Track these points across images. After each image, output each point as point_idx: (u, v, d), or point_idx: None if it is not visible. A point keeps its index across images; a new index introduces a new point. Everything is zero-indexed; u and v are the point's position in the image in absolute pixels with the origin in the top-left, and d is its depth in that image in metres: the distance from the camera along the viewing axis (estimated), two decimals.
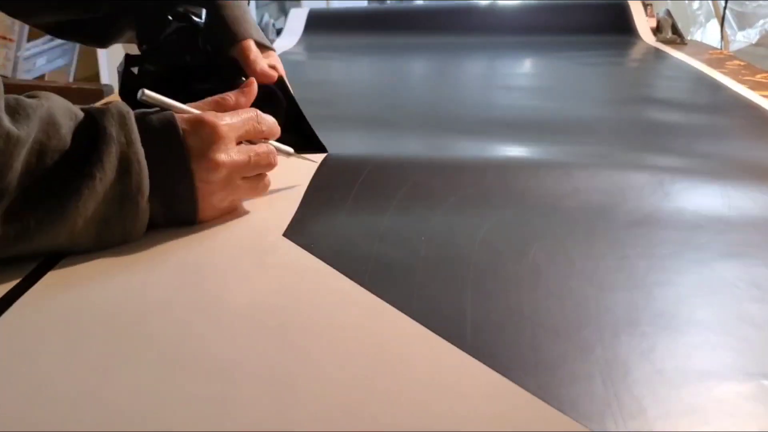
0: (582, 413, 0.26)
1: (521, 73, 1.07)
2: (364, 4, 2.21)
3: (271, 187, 0.47)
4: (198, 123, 0.41)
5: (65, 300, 0.34)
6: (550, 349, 0.30)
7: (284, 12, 2.44)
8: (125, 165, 0.38)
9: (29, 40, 1.88)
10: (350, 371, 0.29)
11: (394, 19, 1.47)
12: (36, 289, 0.35)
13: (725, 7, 1.55)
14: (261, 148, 0.45)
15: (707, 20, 1.82)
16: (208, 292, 0.35)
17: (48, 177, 0.36)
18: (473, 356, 0.29)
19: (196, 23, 0.57)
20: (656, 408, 0.26)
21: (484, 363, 0.29)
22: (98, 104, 0.40)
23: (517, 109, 0.78)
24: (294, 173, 0.52)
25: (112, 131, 0.38)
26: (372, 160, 0.54)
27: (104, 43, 0.66)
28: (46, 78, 2.02)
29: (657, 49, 1.23)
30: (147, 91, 0.41)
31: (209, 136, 0.41)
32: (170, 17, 0.56)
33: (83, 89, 1.11)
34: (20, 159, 0.35)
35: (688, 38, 1.39)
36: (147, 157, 0.39)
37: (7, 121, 0.34)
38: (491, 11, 1.46)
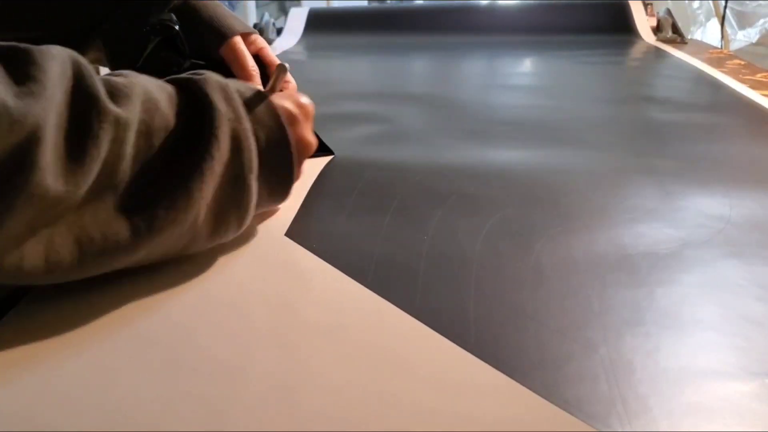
0: (587, 413, 0.26)
1: (522, 73, 1.07)
2: (365, 3, 2.21)
3: None
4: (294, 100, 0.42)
5: (66, 300, 0.34)
6: (554, 349, 0.30)
7: (284, 11, 2.44)
8: (237, 142, 0.36)
9: None
10: (353, 371, 0.29)
11: (394, 19, 1.47)
12: (38, 290, 0.35)
13: (725, 7, 1.56)
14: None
15: (707, 19, 1.82)
16: (209, 293, 0.35)
17: (161, 160, 0.33)
18: (477, 356, 0.29)
19: (176, 32, 0.55)
20: (661, 407, 0.26)
21: (488, 363, 0.29)
22: (185, 74, 0.37)
23: (517, 109, 0.78)
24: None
25: (220, 106, 0.35)
26: (373, 161, 0.54)
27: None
28: None
29: (657, 49, 1.23)
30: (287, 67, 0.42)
31: (306, 115, 0.43)
32: (149, 33, 0.54)
33: None
34: (130, 144, 0.31)
35: (689, 37, 1.39)
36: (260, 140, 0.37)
37: (111, 105, 0.31)
38: (492, 11, 1.46)
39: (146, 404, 0.27)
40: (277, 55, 0.67)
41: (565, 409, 0.26)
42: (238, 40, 0.58)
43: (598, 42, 1.28)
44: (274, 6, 3.22)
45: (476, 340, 0.31)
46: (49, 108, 0.27)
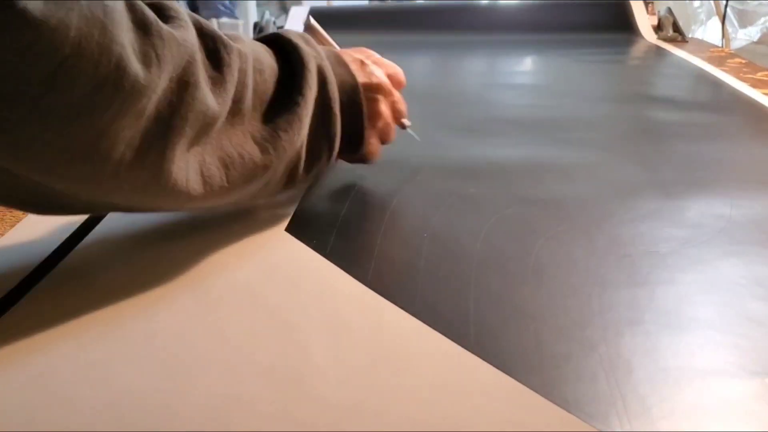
0: (587, 412, 0.26)
1: (522, 71, 1.07)
2: (365, 2, 2.21)
3: None
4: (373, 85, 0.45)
5: (68, 297, 0.34)
6: (553, 348, 0.30)
7: (285, 10, 2.44)
8: (323, 75, 0.40)
9: None
10: (353, 370, 0.29)
11: (395, 18, 1.47)
12: (40, 287, 0.35)
13: (726, 5, 1.55)
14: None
15: (708, 18, 1.82)
16: (208, 289, 0.35)
17: (271, 93, 0.38)
18: (476, 355, 0.29)
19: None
20: (660, 407, 0.26)
21: (488, 361, 0.29)
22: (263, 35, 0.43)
23: (518, 107, 0.78)
24: None
25: (304, 47, 0.40)
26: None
27: None
28: None
29: (658, 47, 1.23)
30: (313, 21, 0.46)
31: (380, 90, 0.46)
32: None
33: None
34: (251, 76, 0.36)
35: (689, 36, 1.39)
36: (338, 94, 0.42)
37: (233, 42, 0.34)
38: (492, 9, 1.46)
39: (146, 403, 0.27)
40: None
41: (564, 408, 0.26)
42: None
43: (599, 41, 1.28)
44: (274, 5, 3.22)
45: (476, 339, 0.31)
46: (193, 39, 0.31)
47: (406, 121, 0.52)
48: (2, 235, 0.42)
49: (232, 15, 2.86)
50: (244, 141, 0.35)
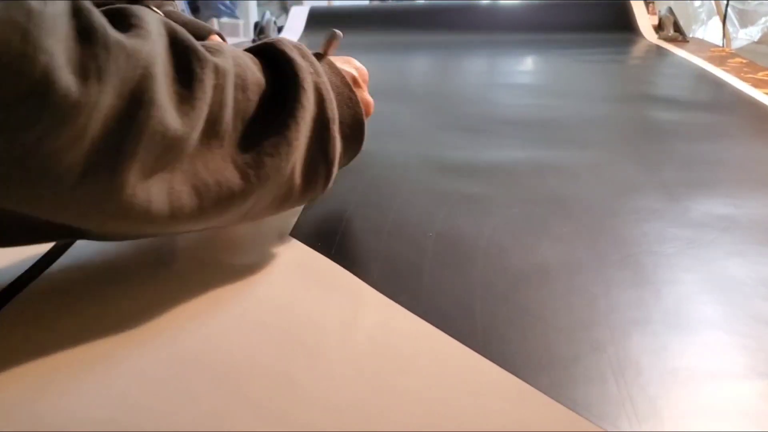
0: (596, 413, 0.26)
1: (523, 71, 1.07)
2: (365, 2, 2.20)
3: None
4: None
5: (69, 296, 0.34)
6: (561, 348, 0.30)
7: (285, 10, 2.44)
8: (320, 93, 0.37)
9: None
10: (359, 370, 0.28)
11: (395, 17, 1.47)
12: (39, 283, 0.35)
13: (727, 5, 1.55)
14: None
15: (709, 18, 1.82)
16: (213, 291, 0.35)
17: (257, 113, 0.34)
18: (484, 356, 0.29)
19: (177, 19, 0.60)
20: (670, 408, 0.26)
21: (495, 362, 0.29)
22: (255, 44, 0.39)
23: (520, 107, 0.78)
24: None
25: (300, 61, 0.37)
26: (377, 159, 0.54)
27: None
28: None
29: (659, 47, 1.23)
30: (338, 31, 0.44)
31: (363, 77, 0.46)
32: None
33: None
34: (230, 93, 0.32)
35: (690, 36, 1.39)
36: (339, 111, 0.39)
37: (209, 55, 0.31)
38: (493, 9, 1.46)
39: (150, 404, 0.26)
40: None
41: (573, 410, 0.26)
42: (217, 38, 0.65)
43: (600, 40, 1.28)
44: (275, 4, 3.22)
45: (483, 340, 0.31)
46: (156, 51, 0.28)
47: None
48: None
49: (232, 15, 2.86)
50: (224, 166, 0.32)
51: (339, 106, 0.39)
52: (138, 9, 0.29)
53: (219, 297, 0.35)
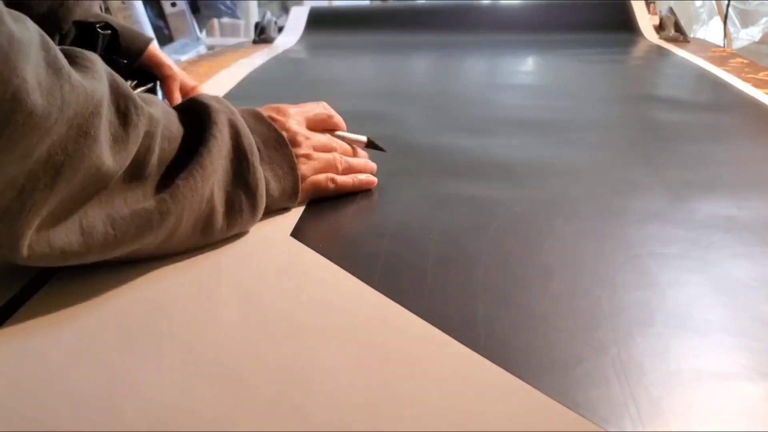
0: (600, 415, 0.26)
1: (524, 71, 1.06)
2: (366, 2, 2.21)
3: None
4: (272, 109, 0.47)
5: (74, 301, 0.34)
6: (564, 350, 0.30)
7: (286, 10, 2.44)
8: (235, 128, 0.40)
9: None
10: (361, 373, 0.28)
11: (396, 18, 1.46)
12: (45, 291, 0.35)
13: (728, 5, 1.55)
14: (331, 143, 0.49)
15: (710, 18, 1.82)
16: (216, 294, 0.35)
17: (177, 156, 0.37)
18: (486, 357, 0.29)
19: (117, 32, 0.59)
20: (674, 409, 0.26)
21: (498, 364, 0.29)
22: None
23: (521, 108, 0.78)
24: None
25: (214, 104, 0.41)
26: (377, 161, 0.53)
27: None
28: None
29: (660, 47, 1.23)
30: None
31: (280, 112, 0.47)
32: (99, 30, 0.57)
33: None
34: (158, 142, 0.35)
35: (691, 36, 1.39)
36: (256, 141, 0.42)
37: (145, 105, 0.35)
38: (494, 9, 1.46)
39: (152, 405, 0.26)
40: (278, 54, 0.67)
41: (577, 412, 0.26)
42: (156, 45, 0.67)
43: (601, 40, 1.28)
44: (275, 4, 3.22)
45: (485, 342, 0.30)
46: (103, 93, 0.31)
47: (350, 135, 0.53)
48: None
49: (233, 15, 2.86)
50: (141, 200, 0.34)
51: (266, 146, 0.43)
52: (89, 54, 0.33)
53: (219, 299, 0.34)
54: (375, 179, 0.50)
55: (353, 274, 0.37)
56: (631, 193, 0.49)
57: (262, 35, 1.41)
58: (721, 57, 1.13)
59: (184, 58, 1.49)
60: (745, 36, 1.68)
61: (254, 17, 3.02)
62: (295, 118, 0.48)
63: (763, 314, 0.33)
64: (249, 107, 0.45)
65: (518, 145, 0.62)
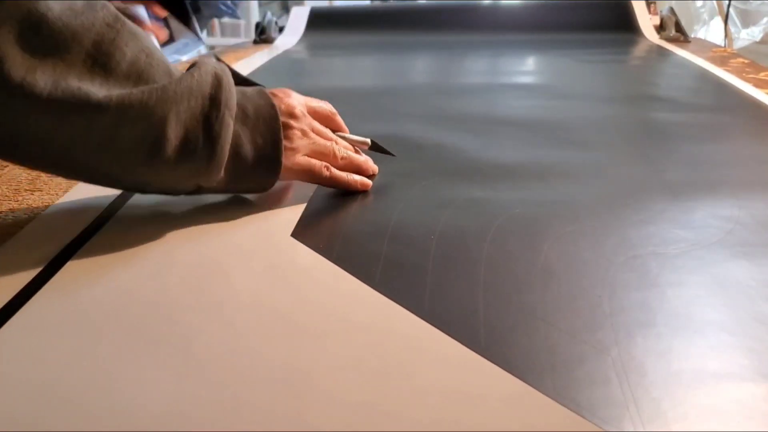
0: (600, 416, 0.26)
1: (525, 72, 1.06)
2: (366, 2, 2.21)
3: (277, 189, 0.47)
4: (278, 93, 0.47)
5: (74, 301, 0.34)
6: (565, 351, 0.30)
7: (286, 10, 2.44)
8: (218, 80, 0.41)
9: None
10: (362, 373, 0.28)
11: (397, 17, 1.46)
12: (44, 291, 0.35)
13: (729, 5, 1.55)
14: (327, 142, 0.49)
15: (711, 18, 1.82)
16: (216, 294, 0.35)
17: (149, 75, 0.39)
18: (487, 358, 0.29)
19: None
20: (674, 410, 0.26)
21: (498, 365, 0.29)
22: None
23: (521, 108, 0.78)
24: None
25: (209, 60, 0.43)
26: (378, 162, 0.53)
27: None
28: None
29: (660, 47, 1.23)
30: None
31: (288, 105, 0.46)
32: None
33: None
34: (129, 46, 0.38)
35: (692, 36, 1.39)
36: (244, 104, 0.43)
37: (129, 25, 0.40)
38: (494, 9, 1.46)
39: (152, 405, 0.26)
40: (279, 54, 0.67)
41: (577, 413, 0.26)
42: None
43: (601, 41, 1.28)
44: (276, 4, 3.22)
45: (486, 343, 0.30)
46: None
47: (353, 136, 0.53)
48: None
49: (234, 15, 2.86)
50: (92, 85, 0.36)
51: (256, 115, 0.43)
52: None
53: (219, 299, 0.34)
54: (370, 183, 0.50)
55: (353, 274, 0.37)
56: (632, 192, 0.49)
57: (263, 35, 1.41)
58: (722, 57, 1.13)
59: (185, 57, 1.49)
60: (746, 36, 1.68)
61: (255, 17, 3.02)
62: (298, 99, 0.48)
63: (763, 314, 0.33)
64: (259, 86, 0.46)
65: (519, 145, 0.62)
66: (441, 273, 0.37)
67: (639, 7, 1.39)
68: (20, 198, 0.48)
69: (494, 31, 1.36)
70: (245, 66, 1.09)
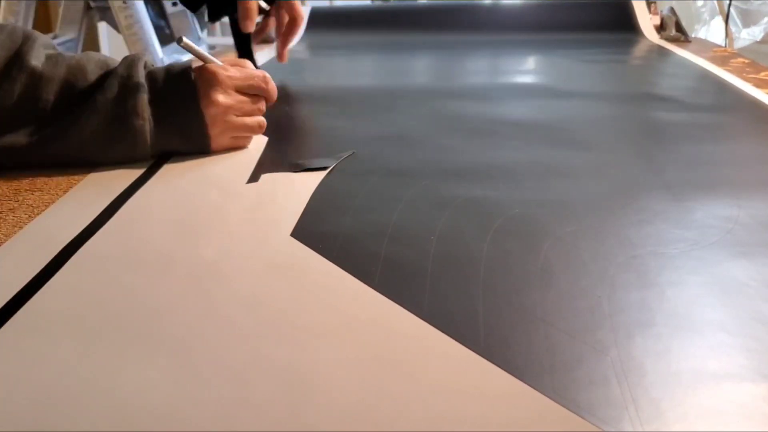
0: (599, 416, 0.26)
1: (525, 71, 1.06)
2: (367, 2, 2.20)
3: (278, 189, 0.47)
4: (204, 69, 0.56)
5: (74, 301, 0.34)
6: (564, 351, 0.30)
7: None
8: (124, 92, 0.51)
9: None
10: (361, 374, 0.28)
11: (397, 17, 1.46)
12: (44, 292, 0.35)
13: (729, 5, 1.55)
14: (255, 80, 0.59)
15: (711, 18, 1.82)
16: (215, 294, 0.35)
17: (72, 104, 0.51)
18: (486, 358, 0.29)
19: None
20: (674, 410, 0.26)
21: (497, 365, 0.29)
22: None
23: (521, 108, 0.78)
24: (302, 173, 0.52)
25: (118, 69, 0.53)
26: (378, 162, 0.54)
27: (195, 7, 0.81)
28: None
29: (660, 47, 1.23)
30: (185, 39, 0.54)
31: (210, 80, 0.55)
32: None
33: None
34: (51, 92, 0.51)
35: (692, 36, 1.38)
36: (165, 94, 0.53)
37: (39, 65, 0.51)
38: (495, 9, 1.45)
39: (152, 405, 0.26)
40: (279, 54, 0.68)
41: (576, 413, 0.26)
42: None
43: (601, 40, 1.28)
44: None
45: (486, 343, 0.30)
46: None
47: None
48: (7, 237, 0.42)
49: None
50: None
51: (179, 108, 0.54)
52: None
53: (217, 299, 0.34)
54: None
55: (353, 274, 0.37)
56: (632, 192, 0.49)
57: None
58: (723, 57, 1.13)
59: (185, 57, 1.49)
60: (747, 36, 1.67)
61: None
62: (225, 81, 0.56)
63: (763, 314, 0.33)
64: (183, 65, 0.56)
65: (518, 145, 0.62)
66: (441, 273, 0.37)
67: (639, 7, 1.39)
68: (20, 198, 0.48)
69: (494, 31, 1.36)
70: None
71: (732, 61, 1.09)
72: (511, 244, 0.41)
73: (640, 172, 0.54)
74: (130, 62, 0.53)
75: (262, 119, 0.60)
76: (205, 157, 0.56)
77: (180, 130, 0.54)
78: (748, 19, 1.68)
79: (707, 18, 1.81)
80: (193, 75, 0.54)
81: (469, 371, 0.29)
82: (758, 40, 1.64)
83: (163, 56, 1.41)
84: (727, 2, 1.53)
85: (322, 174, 0.52)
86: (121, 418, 0.26)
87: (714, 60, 1.08)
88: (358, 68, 1.11)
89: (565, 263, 0.38)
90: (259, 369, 0.29)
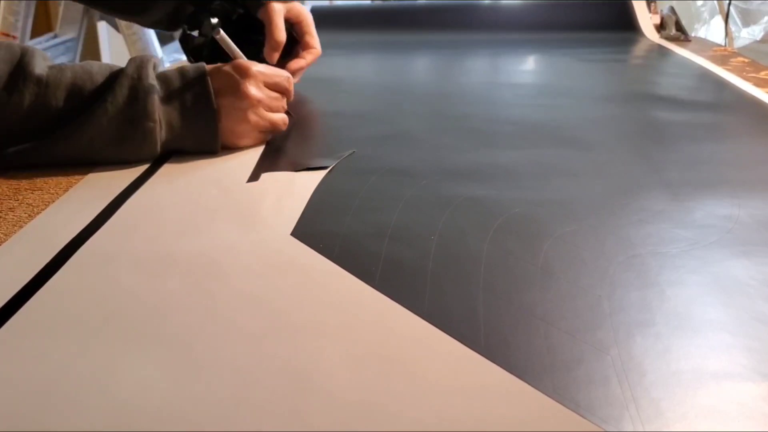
0: (599, 416, 0.26)
1: (525, 71, 1.06)
2: (367, 1, 2.20)
3: (278, 188, 0.47)
4: (237, 63, 0.57)
5: (74, 301, 0.34)
6: (564, 351, 0.30)
7: None
8: (134, 94, 0.51)
9: (32, 37, 1.87)
10: (361, 373, 0.28)
11: (398, 17, 1.46)
12: (44, 291, 0.35)
13: (729, 4, 1.55)
14: (280, 78, 0.60)
15: (711, 17, 1.82)
16: (216, 293, 0.35)
17: (81, 106, 0.51)
18: (487, 358, 0.29)
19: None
20: (674, 410, 0.26)
21: (498, 364, 0.29)
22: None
23: (522, 108, 0.78)
24: (302, 173, 0.52)
25: (128, 71, 0.53)
26: (379, 162, 0.54)
27: (141, 15, 0.75)
28: None
29: (661, 46, 1.22)
30: (222, 32, 0.57)
31: (244, 73, 0.56)
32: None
33: None
34: (60, 98, 0.51)
35: (692, 35, 1.38)
36: (180, 96, 0.54)
37: (43, 73, 0.51)
38: (495, 8, 1.45)
39: (152, 404, 0.26)
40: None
41: (577, 412, 0.26)
42: (275, 6, 0.71)
43: (601, 40, 1.28)
44: None
45: (486, 342, 0.30)
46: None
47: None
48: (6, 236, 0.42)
49: None
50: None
51: (192, 109, 0.54)
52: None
53: (218, 298, 0.35)
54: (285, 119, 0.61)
55: (353, 274, 0.37)
56: (632, 192, 0.49)
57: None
58: (723, 56, 1.13)
59: (185, 57, 1.49)
60: (747, 35, 1.67)
61: None
62: (257, 75, 0.57)
63: (763, 314, 0.33)
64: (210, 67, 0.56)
65: (518, 144, 0.62)
66: (441, 273, 0.37)
67: (639, 6, 1.39)
68: (20, 197, 0.48)
69: (494, 31, 1.36)
70: None
71: (732, 60, 1.09)
72: (511, 243, 0.41)
73: (640, 171, 0.54)
74: (139, 63, 0.53)
75: (285, 116, 0.61)
76: (206, 156, 0.56)
77: (194, 132, 0.54)
78: (748, 19, 1.68)
79: (707, 17, 1.81)
80: (209, 79, 0.54)
81: (469, 370, 0.29)
82: (758, 39, 1.64)
83: (163, 56, 1.41)
84: (727, 1, 1.53)
85: (322, 173, 0.52)
86: (122, 416, 0.26)
87: (714, 59, 1.08)
88: (358, 68, 1.11)
89: (565, 263, 0.38)
90: (259, 368, 0.29)
